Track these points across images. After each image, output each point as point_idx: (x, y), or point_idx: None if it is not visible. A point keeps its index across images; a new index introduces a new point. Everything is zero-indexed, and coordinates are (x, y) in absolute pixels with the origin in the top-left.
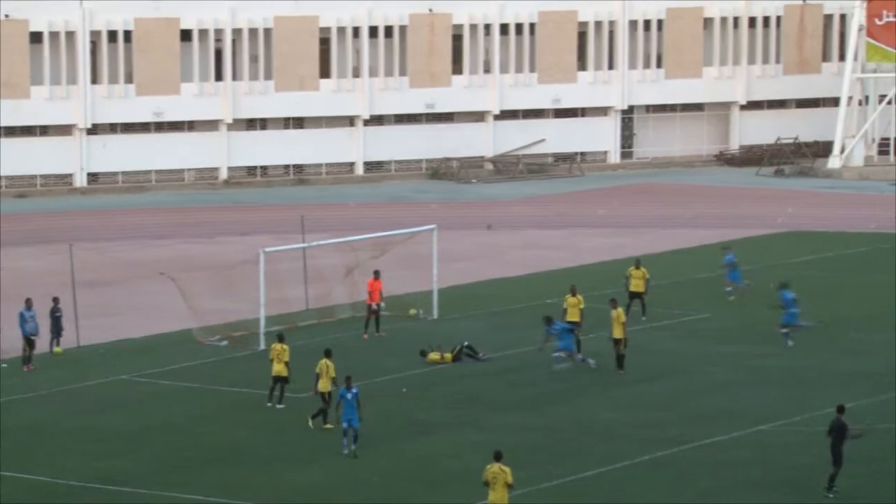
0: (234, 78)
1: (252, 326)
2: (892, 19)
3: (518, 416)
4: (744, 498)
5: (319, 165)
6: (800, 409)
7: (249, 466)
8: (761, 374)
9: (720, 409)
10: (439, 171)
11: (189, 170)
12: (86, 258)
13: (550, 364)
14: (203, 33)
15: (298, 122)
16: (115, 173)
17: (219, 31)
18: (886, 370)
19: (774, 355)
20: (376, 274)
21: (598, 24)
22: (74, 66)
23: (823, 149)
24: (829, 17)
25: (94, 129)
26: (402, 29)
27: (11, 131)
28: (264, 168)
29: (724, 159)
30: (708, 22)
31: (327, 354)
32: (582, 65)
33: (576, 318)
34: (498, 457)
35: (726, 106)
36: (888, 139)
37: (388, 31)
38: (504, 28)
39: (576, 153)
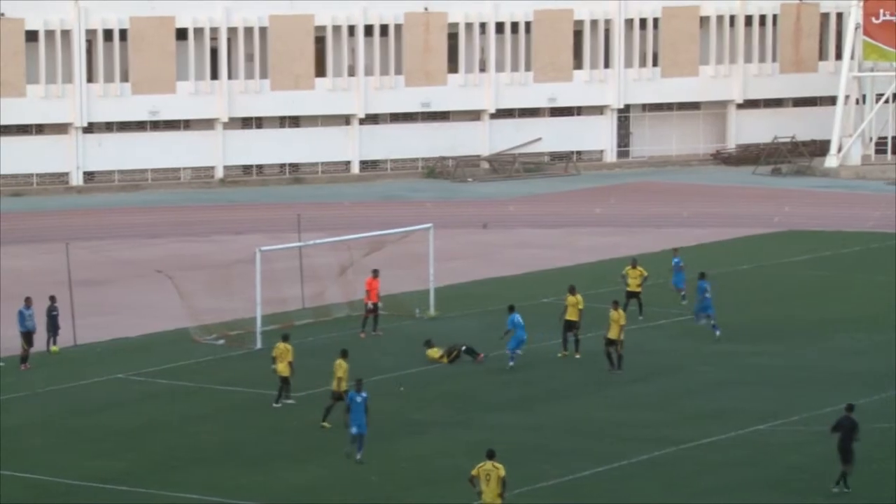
0: (230, 77)
1: (248, 325)
2: (889, 18)
3: (514, 415)
4: (741, 498)
5: (315, 164)
6: (797, 409)
7: (246, 465)
8: (758, 373)
9: (716, 408)
10: (435, 170)
11: (185, 168)
12: (82, 257)
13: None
14: (198, 32)
15: (294, 121)
16: (110, 172)
17: (214, 30)
18: (885, 370)
19: (770, 354)
20: (375, 273)
21: (594, 22)
22: (70, 64)
23: (820, 148)
24: (825, 16)
25: (90, 128)
26: (398, 27)
27: (7, 130)
28: (260, 167)
29: (721, 158)
30: (704, 20)
31: (343, 354)
32: (578, 63)
33: (574, 318)
34: (490, 455)
35: (723, 105)
36: (885, 138)
37: (384, 29)
38: (500, 27)
39: (572, 152)
